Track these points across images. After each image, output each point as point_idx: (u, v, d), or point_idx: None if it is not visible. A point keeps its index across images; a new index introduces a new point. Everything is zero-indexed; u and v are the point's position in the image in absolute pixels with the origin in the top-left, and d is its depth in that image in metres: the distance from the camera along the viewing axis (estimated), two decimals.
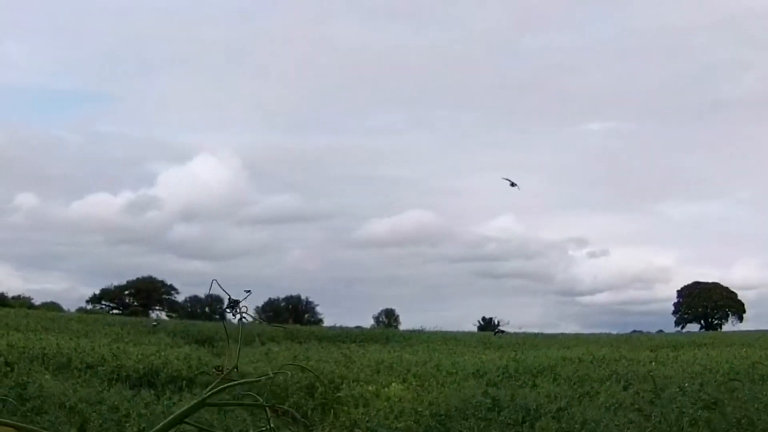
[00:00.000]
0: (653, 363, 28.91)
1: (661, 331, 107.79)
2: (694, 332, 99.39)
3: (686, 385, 21.03)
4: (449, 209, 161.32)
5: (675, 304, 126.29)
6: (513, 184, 58.47)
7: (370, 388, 23.41)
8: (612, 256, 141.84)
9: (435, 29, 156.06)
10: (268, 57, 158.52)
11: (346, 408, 21.36)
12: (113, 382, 23.00)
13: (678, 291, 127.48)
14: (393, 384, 23.85)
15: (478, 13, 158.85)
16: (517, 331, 66.09)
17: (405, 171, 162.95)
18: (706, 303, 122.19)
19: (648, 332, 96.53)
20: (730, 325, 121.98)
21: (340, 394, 22.70)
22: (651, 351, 39.96)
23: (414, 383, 23.95)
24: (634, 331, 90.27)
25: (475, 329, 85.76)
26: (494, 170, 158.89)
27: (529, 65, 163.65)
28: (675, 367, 27.55)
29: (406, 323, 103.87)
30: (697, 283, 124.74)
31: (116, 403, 18.08)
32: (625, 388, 21.37)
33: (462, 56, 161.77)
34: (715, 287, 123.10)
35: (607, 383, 22.69)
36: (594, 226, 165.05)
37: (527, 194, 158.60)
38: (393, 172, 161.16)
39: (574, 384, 23.34)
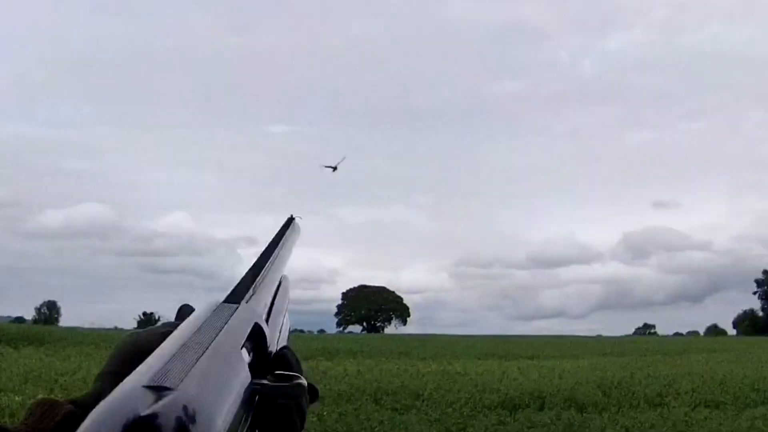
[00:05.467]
0: None
1: (323, 330, 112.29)
2: (355, 334, 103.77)
3: None
4: (125, 203, 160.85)
5: (338, 306, 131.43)
6: (335, 169, 61.13)
7: (17, 398, 23.31)
8: None
9: (126, 21, 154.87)
10: None
11: None
12: None
13: (343, 293, 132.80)
14: (40, 395, 23.90)
15: (188, 8, 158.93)
16: None
17: (87, 164, 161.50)
18: (370, 306, 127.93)
19: (309, 331, 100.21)
20: (393, 328, 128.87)
21: None
22: (305, 360, 41.92)
23: (61, 396, 24.15)
24: (295, 330, 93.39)
25: (135, 324, 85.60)
26: (174, 167, 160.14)
27: (224, 63, 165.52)
28: (321, 390, 29.20)
29: (68, 315, 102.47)
30: (363, 286, 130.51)
31: None
32: None
33: (154, 51, 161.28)
34: (382, 290, 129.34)
35: None
36: (267, 226, 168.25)
37: (204, 192, 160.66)
38: (75, 164, 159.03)
39: None
